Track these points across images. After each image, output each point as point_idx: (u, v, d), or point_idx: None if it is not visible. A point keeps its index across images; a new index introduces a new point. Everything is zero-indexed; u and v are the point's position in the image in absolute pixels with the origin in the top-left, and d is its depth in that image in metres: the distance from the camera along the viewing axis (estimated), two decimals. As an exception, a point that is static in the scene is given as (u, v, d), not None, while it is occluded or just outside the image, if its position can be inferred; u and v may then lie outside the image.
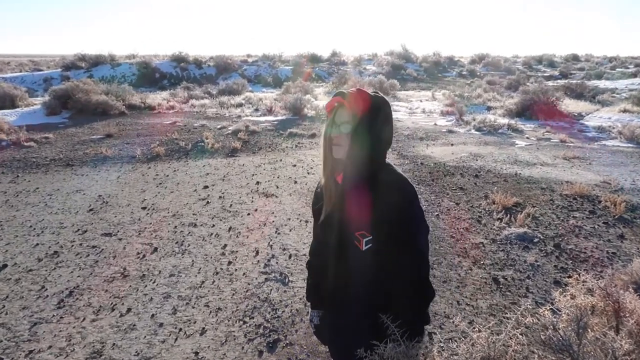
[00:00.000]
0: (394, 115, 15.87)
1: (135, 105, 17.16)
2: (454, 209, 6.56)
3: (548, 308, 2.12)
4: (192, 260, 4.98)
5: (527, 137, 12.35)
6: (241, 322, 3.86)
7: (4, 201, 6.83)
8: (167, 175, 8.30)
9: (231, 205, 6.73)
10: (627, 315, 2.43)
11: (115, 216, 6.27)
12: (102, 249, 5.25)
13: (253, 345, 3.56)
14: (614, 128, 13.12)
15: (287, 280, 4.57)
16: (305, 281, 2.48)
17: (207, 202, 6.83)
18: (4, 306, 4.06)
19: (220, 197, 7.09)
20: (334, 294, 2.19)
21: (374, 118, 1.94)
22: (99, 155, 9.82)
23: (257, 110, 17.08)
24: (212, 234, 5.71)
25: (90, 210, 6.50)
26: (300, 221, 6.10)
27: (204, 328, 3.77)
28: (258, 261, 4.98)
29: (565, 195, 7.03)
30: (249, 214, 6.37)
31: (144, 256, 5.08)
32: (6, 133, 11.47)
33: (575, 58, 53.54)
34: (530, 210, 6.22)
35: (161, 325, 3.81)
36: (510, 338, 1.90)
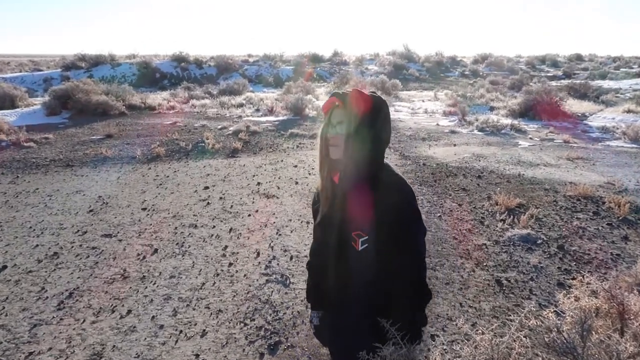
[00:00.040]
0: (396, 115, 15.92)
1: (136, 105, 17.19)
2: (457, 210, 6.55)
3: (552, 310, 2.12)
4: (193, 262, 4.98)
5: (531, 138, 12.34)
6: (242, 324, 3.86)
7: (4, 202, 6.84)
8: (168, 176, 8.30)
9: (232, 206, 6.73)
10: (631, 317, 2.43)
11: (115, 217, 6.28)
12: (102, 250, 5.25)
13: (254, 347, 3.56)
14: (618, 128, 13.09)
15: (288, 281, 4.57)
16: (306, 282, 2.48)
17: (208, 203, 6.83)
18: (3, 307, 4.06)
19: (221, 198, 7.09)
20: (334, 294, 2.20)
21: (371, 118, 1.95)
22: (99, 155, 9.84)
23: (258, 110, 17.10)
24: (212, 235, 5.71)
25: (90, 211, 6.51)
26: (302, 222, 6.10)
27: (204, 330, 3.77)
28: (259, 262, 4.98)
29: (569, 196, 7.03)
30: (249, 215, 6.37)
31: (144, 257, 5.08)
32: (6, 133, 11.50)
33: (578, 58, 53.51)
34: (534, 212, 6.21)
35: (161, 327, 3.81)
36: (514, 340, 1.90)
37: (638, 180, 7.93)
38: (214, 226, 5.98)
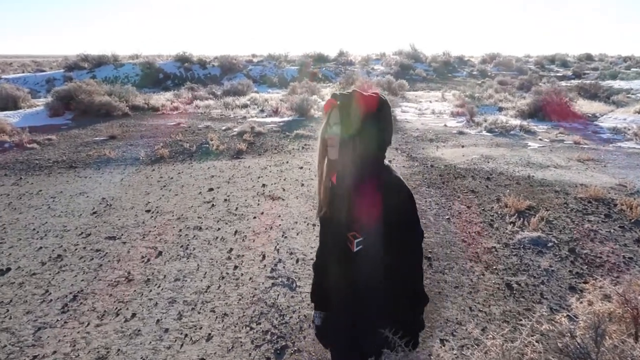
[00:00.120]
0: (403, 116, 15.91)
1: (139, 106, 17.23)
2: (465, 212, 6.54)
3: (565, 315, 2.11)
4: (198, 265, 4.99)
5: (540, 139, 12.30)
6: (248, 328, 3.86)
7: (7, 204, 6.88)
8: (172, 178, 8.33)
9: (237, 208, 6.74)
10: (645, 322, 2.42)
11: (119, 219, 6.30)
12: (106, 253, 5.27)
13: (260, 352, 3.57)
14: (629, 129, 13.03)
15: (294, 285, 4.57)
16: (312, 283, 2.50)
17: (212, 205, 6.85)
18: (7, 310, 4.09)
19: (225, 199, 7.10)
20: (333, 295, 2.21)
21: (369, 119, 1.95)
22: (103, 157, 9.87)
23: (262, 111, 17.10)
24: (217, 237, 5.73)
25: (94, 213, 6.53)
26: (308, 225, 6.10)
27: (210, 334, 3.78)
28: (265, 265, 4.98)
29: (580, 198, 7.00)
30: (255, 217, 6.38)
31: (148, 260, 5.10)
32: (9, 135, 11.56)
33: (588, 58, 53.33)
34: (544, 214, 6.19)
35: (166, 330, 3.82)
36: (526, 345, 1.90)
37: (650, 182, 7.90)
38: (219, 228, 6.00)
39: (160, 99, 19.45)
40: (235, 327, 3.89)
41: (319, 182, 2.13)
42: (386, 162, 2.06)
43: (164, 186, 7.81)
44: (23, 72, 35.40)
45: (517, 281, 4.60)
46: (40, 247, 5.41)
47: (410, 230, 1.99)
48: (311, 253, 5.21)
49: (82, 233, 5.84)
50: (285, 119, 15.45)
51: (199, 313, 4.08)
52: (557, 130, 13.42)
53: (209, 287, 4.53)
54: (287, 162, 9.49)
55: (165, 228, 6.00)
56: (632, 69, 38.89)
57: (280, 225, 6.11)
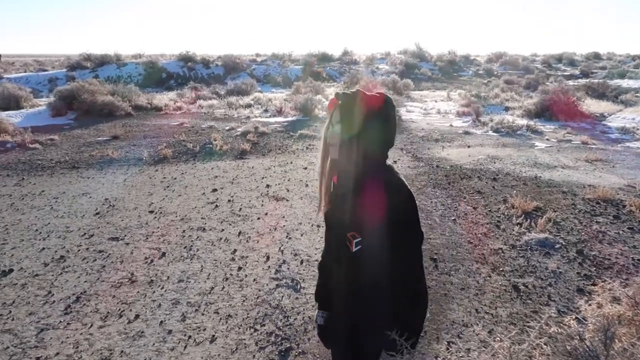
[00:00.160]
0: (408, 116, 15.90)
1: (142, 106, 17.27)
2: (472, 213, 6.53)
3: (573, 317, 2.11)
4: (201, 266, 5.00)
5: (547, 139, 12.27)
6: (252, 330, 3.87)
7: (10, 204, 6.91)
8: (175, 178, 8.34)
9: (240, 209, 6.75)
10: (655, 325, 2.41)
11: (122, 220, 6.31)
12: (109, 254, 5.29)
13: (265, 353, 3.57)
14: (638, 129, 13.00)
15: (299, 286, 4.58)
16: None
17: (216, 206, 6.86)
18: (10, 312, 4.10)
19: (229, 200, 7.11)
20: (334, 294, 2.22)
21: (372, 118, 1.95)
22: (105, 157, 9.90)
23: (266, 111, 17.12)
24: (221, 238, 5.73)
25: (97, 213, 6.55)
26: (312, 226, 6.10)
27: (214, 335, 3.79)
28: (269, 267, 4.99)
29: (588, 199, 6.98)
30: (259, 218, 6.38)
31: (151, 261, 5.11)
32: (11, 135, 11.61)
33: (596, 56, 53.15)
34: (551, 215, 6.17)
35: (170, 332, 3.83)
36: (534, 348, 1.89)
37: (660, 183, 7.86)
38: (223, 229, 6.01)
39: (163, 98, 19.50)
40: (239, 328, 3.89)
41: (320, 180, 2.14)
42: (389, 162, 2.05)
43: (167, 187, 7.83)
44: (25, 72, 35.50)
45: (524, 283, 4.59)
46: (43, 248, 5.43)
47: (410, 230, 1.99)
48: (315, 254, 5.22)
49: (85, 234, 5.86)
50: (289, 118, 15.46)
51: (202, 314, 4.09)
52: (564, 130, 13.39)
53: (212, 288, 4.53)
54: (291, 163, 9.49)
55: (168, 229, 6.01)
56: (641, 68, 38.73)
57: (284, 226, 6.12)
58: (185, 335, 3.79)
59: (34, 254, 5.27)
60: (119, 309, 4.16)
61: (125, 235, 5.81)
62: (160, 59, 34.36)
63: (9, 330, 3.84)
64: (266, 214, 6.55)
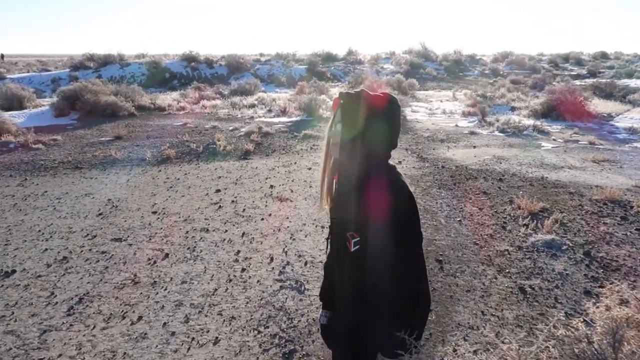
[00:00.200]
0: (414, 116, 15.88)
1: (145, 106, 17.32)
2: (477, 214, 6.51)
3: (581, 320, 2.09)
4: (205, 267, 5.00)
5: (554, 139, 12.23)
6: (256, 332, 3.87)
7: (12, 205, 6.93)
8: (178, 179, 8.35)
9: (244, 209, 6.75)
10: (664, 328, 2.39)
11: (125, 221, 6.33)
12: (112, 255, 5.30)
13: (268, 355, 3.57)
14: (646, 129, 12.95)
15: (303, 288, 4.57)
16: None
17: (220, 207, 6.86)
18: (13, 313, 4.11)
19: (233, 201, 7.11)
20: (335, 294, 2.23)
21: (375, 118, 1.95)
22: (108, 157, 9.92)
23: (270, 111, 17.13)
24: (224, 239, 5.74)
25: (100, 214, 6.57)
26: (316, 227, 6.10)
27: (217, 337, 3.79)
28: (273, 268, 4.99)
29: (595, 200, 6.95)
30: (262, 219, 6.38)
31: (154, 262, 5.12)
32: (14, 135, 11.66)
33: (603, 56, 53.00)
34: (558, 216, 6.15)
35: (173, 334, 3.83)
36: (542, 351, 1.88)
37: (668, 184, 7.83)
38: (226, 230, 6.01)
39: (166, 98, 19.55)
40: (242, 330, 3.89)
41: (322, 179, 2.15)
42: (392, 162, 2.05)
43: (171, 187, 7.84)
44: (28, 72, 35.65)
45: (530, 285, 4.58)
46: (46, 249, 5.44)
47: (410, 230, 1.99)
48: (319, 255, 5.21)
49: (87, 235, 5.87)
50: (293, 119, 15.46)
51: (206, 316, 4.09)
52: (571, 131, 13.35)
53: (216, 289, 4.53)
54: (295, 163, 9.49)
55: (171, 230, 6.02)
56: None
57: (288, 227, 6.11)
58: (188, 337, 3.79)
59: (36, 255, 5.29)
60: (122, 311, 4.17)
61: (128, 236, 5.82)
62: (164, 59, 34.42)
63: (12, 331, 3.85)
64: (270, 214, 6.55)
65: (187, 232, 5.95)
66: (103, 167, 9.22)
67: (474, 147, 11.22)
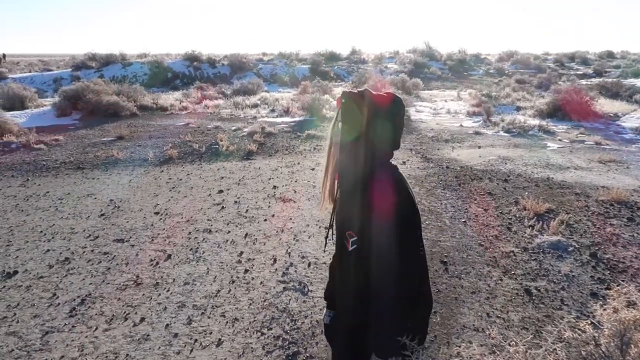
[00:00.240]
0: (418, 116, 15.87)
1: (147, 106, 17.35)
2: (482, 215, 6.50)
3: (589, 322, 2.09)
4: (207, 268, 5.00)
5: (560, 139, 12.21)
6: (259, 334, 3.87)
7: (14, 205, 6.95)
8: (181, 179, 8.36)
9: (247, 210, 6.75)
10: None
11: (128, 221, 6.34)
12: (114, 256, 5.31)
13: (272, 358, 3.57)
14: (653, 129, 12.91)
15: (306, 289, 4.57)
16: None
17: (222, 207, 6.87)
18: (15, 314, 4.13)
19: (235, 202, 7.12)
20: (336, 294, 2.23)
21: (376, 117, 1.95)
22: (110, 158, 9.94)
23: (273, 111, 17.14)
24: (227, 240, 5.74)
25: (102, 215, 6.58)
26: (320, 228, 6.09)
27: (220, 339, 3.79)
28: (276, 269, 4.99)
29: (602, 201, 6.93)
30: (265, 220, 6.39)
31: (157, 263, 5.12)
32: (16, 135, 11.69)
33: (610, 55, 52.84)
34: (564, 217, 6.14)
35: (176, 335, 3.83)
36: (549, 353, 1.88)
37: (675, 185, 7.80)
38: (229, 231, 6.01)
39: (168, 98, 19.58)
40: (246, 332, 3.89)
41: (323, 178, 2.15)
42: (394, 162, 2.06)
43: (173, 188, 7.85)
44: (30, 72, 35.74)
45: (536, 287, 4.57)
46: (48, 250, 5.46)
47: (411, 230, 1.99)
48: (323, 257, 5.21)
49: (90, 235, 5.88)
50: (297, 119, 15.46)
51: (208, 318, 4.09)
52: (577, 131, 13.32)
53: (219, 291, 4.54)
54: (299, 164, 9.50)
55: (174, 231, 6.03)
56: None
57: (291, 228, 6.11)
58: (191, 338, 3.79)
59: (38, 256, 5.30)
60: (125, 312, 4.17)
61: (131, 237, 5.82)
62: (166, 59, 34.49)
63: (14, 332, 3.86)
64: (273, 215, 6.55)
65: (190, 233, 5.96)
66: (105, 167, 9.24)
67: (479, 147, 11.21)
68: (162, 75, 31.52)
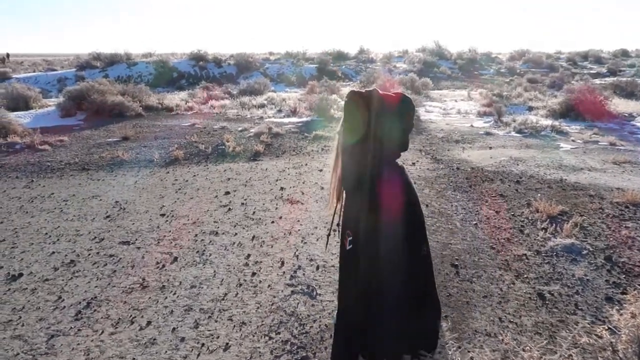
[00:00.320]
0: (427, 116, 15.85)
1: (153, 106, 17.42)
2: (494, 217, 6.48)
3: (605, 327, 2.08)
4: (214, 271, 5.02)
5: (573, 140, 12.14)
6: (267, 338, 3.87)
7: (19, 207, 6.99)
8: (187, 181, 8.39)
9: (254, 212, 6.76)
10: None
11: (133, 223, 6.36)
12: (120, 258, 5.33)
13: (280, 362, 3.57)
14: (669, 130, 12.82)
15: (314, 293, 4.57)
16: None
17: (229, 209, 6.88)
18: (20, 317, 4.15)
19: (242, 203, 7.13)
20: (338, 294, 2.25)
21: (382, 117, 1.95)
22: (116, 159, 9.99)
23: (280, 111, 17.15)
24: (234, 243, 5.75)
25: (107, 217, 6.61)
26: (328, 230, 6.09)
27: (227, 343, 3.80)
28: (284, 272, 4.99)
29: (616, 203, 6.89)
30: (273, 222, 6.39)
31: (163, 266, 5.14)
32: (20, 136, 11.77)
33: (624, 54, 52.51)
34: (578, 220, 6.11)
35: (183, 339, 3.84)
36: (565, 359, 1.87)
37: (692, 186, 7.74)
38: (236, 233, 6.02)
39: (174, 98, 19.65)
40: (253, 336, 3.89)
41: (332, 178, 2.16)
42: (401, 163, 2.06)
43: (179, 189, 7.88)
44: (34, 72, 35.95)
45: (549, 291, 4.54)
46: (53, 252, 5.49)
47: (417, 230, 2.00)
48: (332, 260, 5.20)
49: (95, 238, 5.91)
50: (304, 119, 15.48)
51: (216, 321, 4.10)
52: (590, 131, 13.23)
53: (226, 294, 4.55)
54: (306, 165, 9.50)
55: (180, 233, 6.05)
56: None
57: (299, 230, 6.12)
58: (198, 342, 3.80)
59: (43, 258, 5.33)
60: (131, 315, 4.19)
61: (137, 239, 5.85)
62: (171, 58, 34.61)
63: (19, 336, 3.89)
64: (280, 217, 6.56)
65: (196, 235, 5.98)
66: (110, 168, 9.29)
67: (490, 148, 11.17)
68: (168, 75, 31.64)
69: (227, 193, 7.63)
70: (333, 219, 2.16)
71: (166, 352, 3.68)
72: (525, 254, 5.35)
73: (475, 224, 6.25)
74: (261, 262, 5.23)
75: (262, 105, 18.35)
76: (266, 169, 9.16)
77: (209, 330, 3.96)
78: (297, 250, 5.53)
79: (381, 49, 50.80)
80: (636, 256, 5.24)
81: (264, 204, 7.08)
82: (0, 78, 27.60)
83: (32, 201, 7.27)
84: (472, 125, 14.51)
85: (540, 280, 4.76)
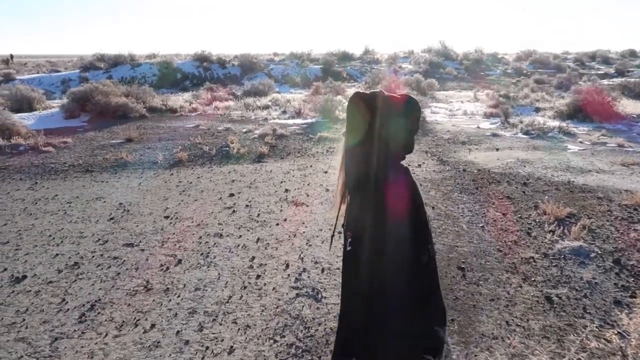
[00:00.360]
0: (433, 117, 15.84)
1: (157, 107, 17.48)
2: (501, 220, 6.46)
3: (615, 332, 2.07)
4: (219, 274, 5.02)
5: (581, 141, 12.11)
6: (272, 341, 3.87)
7: (23, 209, 7.02)
8: (191, 182, 8.41)
9: (259, 214, 6.77)
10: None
11: (137, 225, 6.38)
12: (124, 261, 5.34)
13: (285, 366, 3.57)
14: (678, 131, 12.77)
15: (319, 296, 4.57)
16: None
17: (233, 211, 6.89)
18: (24, 320, 4.17)
19: (247, 205, 7.14)
20: (340, 294, 2.26)
21: (386, 116, 1.95)
22: (119, 160, 10.02)
23: (284, 112, 17.17)
24: (239, 245, 5.75)
25: (111, 219, 6.63)
26: (332, 231, 6.08)
27: (232, 347, 3.80)
28: (288, 275, 4.99)
29: (625, 205, 6.86)
30: (277, 224, 6.40)
31: (167, 268, 5.15)
32: (24, 137, 11.81)
33: (632, 54, 52.35)
34: (586, 222, 6.09)
35: (187, 342, 3.85)
36: (573, 364, 1.87)
37: (702, 188, 7.70)
38: (240, 236, 6.03)
39: (178, 100, 19.71)
40: (258, 339, 3.89)
41: (337, 179, 2.17)
42: (407, 165, 2.06)
43: (183, 191, 7.89)
44: (38, 73, 36.07)
45: (557, 294, 4.53)
46: (57, 254, 5.51)
47: (422, 231, 2.00)
48: (337, 262, 5.20)
49: (99, 240, 5.93)
50: (309, 120, 15.48)
51: (220, 324, 4.10)
52: (598, 132, 13.19)
53: (230, 297, 4.55)
54: (311, 166, 9.51)
55: (184, 235, 6.05)
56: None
57: (304, 232, 6.12)
58: (202, 346, 3.80)
59: (47, 260, 5.35)
60: (135, 318, 4.20)
61: (140, 242, 5.86)
62: (175, 59, 34.72)
63: (23, 338, 3.90)
64: (285, 219, 6.56)
65: (201, 237, 5.99)
66: (114, 170, 9.32)
67: (497, 149, 11.15)
68: (172, 76, 31.73)
69: (232, 195, 7.64)
70: (337, 220, 2.17)
71: (170, 355, 3.68)
72: (533, 257, 5.34)
73: (482, 226, 6.24)
74: (266, 264, 5.23)
75: (266, 107, 18.37)
76: (271, 171, 9.17)
77: (214, 333, 3.97)
78: (302, 252, 5.52)
79: (386, 50, 50.87)
80: (645, 259, 5.22)
81: (268, 206, 7.09)
82: (4, 79, 27.76)
83: (36, 203, 7.30)
84: (478, 127, 14.49)
85: (547, 283, 4.75)
